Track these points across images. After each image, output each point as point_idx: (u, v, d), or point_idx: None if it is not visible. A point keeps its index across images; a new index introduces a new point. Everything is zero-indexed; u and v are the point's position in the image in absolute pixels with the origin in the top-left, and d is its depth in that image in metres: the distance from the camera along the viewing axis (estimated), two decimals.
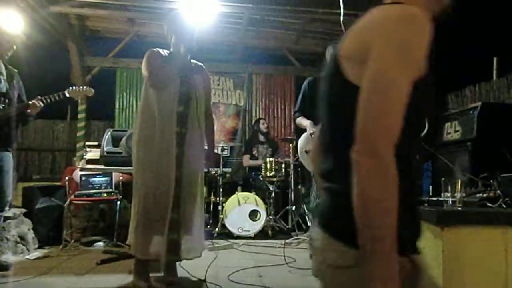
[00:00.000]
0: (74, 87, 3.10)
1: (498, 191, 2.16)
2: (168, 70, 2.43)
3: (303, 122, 3.34)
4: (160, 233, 2.37)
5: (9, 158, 2.95)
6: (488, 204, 2.08)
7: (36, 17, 5.05)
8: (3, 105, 2.86)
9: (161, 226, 2.36)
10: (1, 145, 2.87)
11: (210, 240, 4.16)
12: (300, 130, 3.50)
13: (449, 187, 1.93)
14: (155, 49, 2.52)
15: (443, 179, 2.26)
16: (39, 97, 2.96)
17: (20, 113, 2.92)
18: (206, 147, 2.77)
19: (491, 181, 2.33)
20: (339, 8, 3.94)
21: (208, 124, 2.73)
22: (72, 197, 3.96)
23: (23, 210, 3.68)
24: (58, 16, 5.47)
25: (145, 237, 2.39)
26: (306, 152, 3.31)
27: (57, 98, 3.01)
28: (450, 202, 1.90)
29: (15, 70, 3.06)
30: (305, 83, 3.47)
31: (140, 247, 2.39)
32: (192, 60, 2.57)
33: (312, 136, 3.25)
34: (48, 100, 2.97)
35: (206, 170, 5.06)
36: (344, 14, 3.98)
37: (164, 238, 2.35)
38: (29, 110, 2.91)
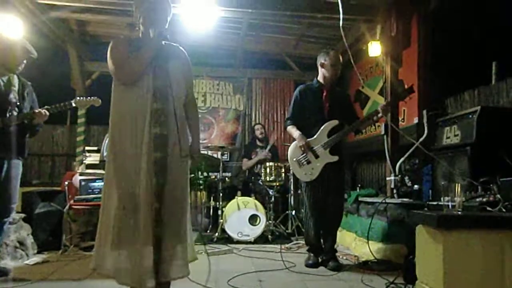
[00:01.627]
0: (81, 98, 3.09)
1: (498, 195, 2.17)
2: (139, 59, 2.03)
3: (293, 132, 3.30)
4: (137, 253, 1.96)
5: (19, 166, 2.96)
6: (488, 208, 2.08)
7: (36, 23, 5.06)
8: (10, 114, 2.85)
9: (137, 249, 1.96)
10: (11, 153, 2.86)
11: (210, 245, 4.15)
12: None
13: (449, 191, 1.93)
14: (120, 36, 2.20)
15: (442, 183, 2.27)
16: (46, 106, 2.95)
17: (28, 123, 2.90)
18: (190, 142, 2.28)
19: (491, 185, 2.33)
20: (338, 13, 3.97)
21: (191, 114, 2.27)
22: (72, 202, 3.95)
23: (22, 215, 3.67)
24: (58, 21, 5.49)
25: (121, 261, 2.02)
26: (297, 161, 3.28)
27: (63, 108, 3.01)
28: (450, 206, 1.90)
29: (28, 83, 3.06)
30: (296, 91, 3.40)
31: (123, 274, 2.03)
32: (166, 43, 2.15)
33: (302, 149, 3.22)
34: (55, 110, 2.96)
35: (206, 174, 5.12)
36: (343, 19, 4.01)
37: (149, 260, 1.95)
38: (35, 119, 2.89)
